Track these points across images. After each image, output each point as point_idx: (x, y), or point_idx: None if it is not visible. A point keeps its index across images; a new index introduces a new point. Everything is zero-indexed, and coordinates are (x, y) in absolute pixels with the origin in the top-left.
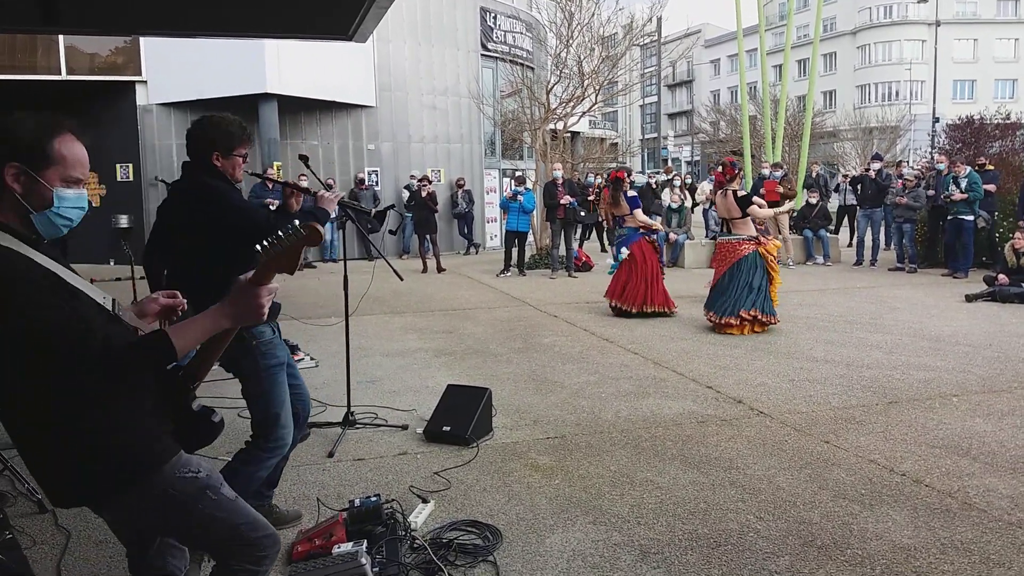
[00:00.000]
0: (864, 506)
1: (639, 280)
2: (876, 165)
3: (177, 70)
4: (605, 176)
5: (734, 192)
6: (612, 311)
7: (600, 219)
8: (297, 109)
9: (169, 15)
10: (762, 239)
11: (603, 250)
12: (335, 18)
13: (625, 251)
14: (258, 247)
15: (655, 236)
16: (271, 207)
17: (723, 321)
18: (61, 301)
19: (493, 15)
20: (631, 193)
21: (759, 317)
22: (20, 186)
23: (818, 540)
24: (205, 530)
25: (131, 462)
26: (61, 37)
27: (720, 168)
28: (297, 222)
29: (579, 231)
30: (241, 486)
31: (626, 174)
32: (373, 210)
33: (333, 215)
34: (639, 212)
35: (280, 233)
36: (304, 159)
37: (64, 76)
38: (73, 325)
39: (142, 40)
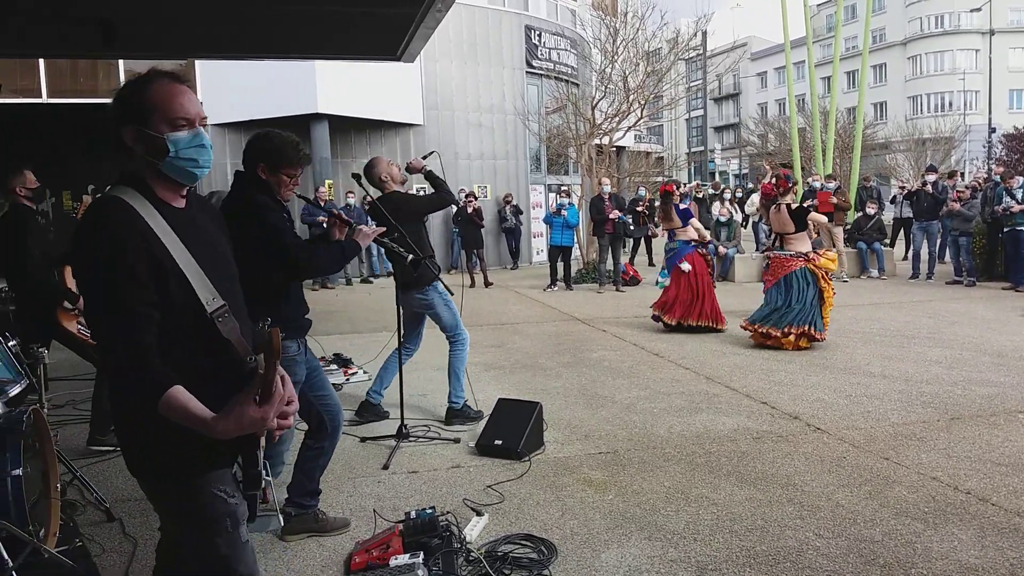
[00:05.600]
0: (928, 525)
1: (686, 292)
2: (931, 177)
3: (231, 92)
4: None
5: (788, 206)
6: (665, 327)
7: (650, 233)
8: (347, 128)
9: (224, 39)
10: (812, 255)
11: (651, 264)
12: (384, 39)
13: (686, 266)
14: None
15: (707, 249)
16: (324, 225)
17: (765, 331)
18: (133, 269)
19: (538, 33)
20: (683, 206)
21: (807, 331)
22: (142, 144)
23: (880, 559)
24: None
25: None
26: (120, 61)
27: (773, 180)
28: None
29: (629, 245)
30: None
31: (675, 187)
32: (409, 257)
33: (363, 247)
34: (695, 222)
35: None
36: (356, 177)
37: None
38: (117, 307)
39: (197, 63)
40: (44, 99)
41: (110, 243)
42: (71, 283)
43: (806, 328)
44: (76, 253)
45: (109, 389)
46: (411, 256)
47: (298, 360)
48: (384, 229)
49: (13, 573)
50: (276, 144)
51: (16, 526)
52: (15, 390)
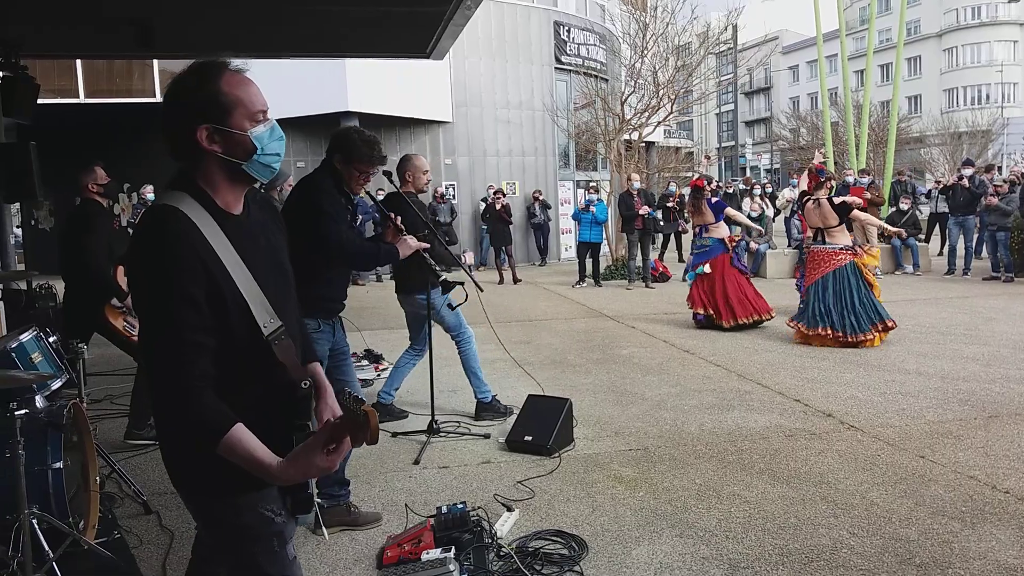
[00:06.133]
0: (965, 524)
1: (739, 291)
2: (967, 171)
3: (264, 90)
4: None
5: (829, 200)
6: (697, 324)
7: (680, 229)
8: (377, 126)
9: (256, 38)
10: (858, 250)
11: (681, 260)
12: (413, 37)
13: (706, 268)
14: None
15: (733, 246)
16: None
17: (860, 337)
18: (187, 292)
19: (567, 28)
20: (714, 199)
21: (887, 324)
22: (221, 144)
23: (916, 558)
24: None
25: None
26: (155, 61)
27: (806, 174)
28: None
29: (659, 241)
30: None
31: (705, 182)
32: (444, 276)
33: (401, 256)
34: (731, 211)
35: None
36: (388, 174)
37: (159, 99)
38: (170, 337)
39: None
40: (81, 99)
41: (165, 261)
42: (122, 281)
43: (887, 322)
44: (130, 268)
45: (155, 416)
46: (444, 276)
47: (316, 338)
48: (428, 245)
49: (54, 564)
50: (353, 140)
51: (57, 518)
52: (56, 384)
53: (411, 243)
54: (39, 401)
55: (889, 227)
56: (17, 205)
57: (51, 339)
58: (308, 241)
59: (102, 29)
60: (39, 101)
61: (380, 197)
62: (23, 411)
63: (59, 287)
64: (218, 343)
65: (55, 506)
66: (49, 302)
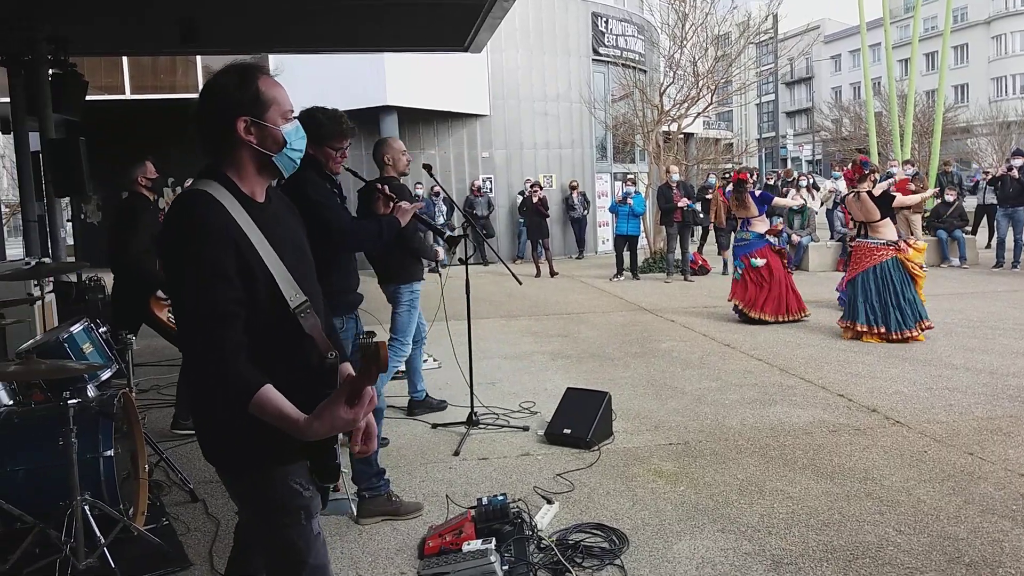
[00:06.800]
0: (1016, 523)
1: (780, 288)
2: (1018, 161)
3: (303, 85)
4: (724, 178)
5: (869, 193)
6: (740, 317)
7: (711, 221)
8: (416, 120)
9: (297, 33)
10: (902, 244)
11: (719, 253)
12: (452, 31)
13: (759, 260)
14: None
15: (777, 240)
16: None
17: (905, 334)
18: (219, 265)
19: (604, 19)
20: (758, 191)
21: (926, 324)
22: (256, 136)
23: (966, 557)
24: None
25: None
26: (199, 58)
27: (850, 166)
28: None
29: (698, 233)
30: None
31: (748, 175)
32: (447, 232)
33: (403, 224)
34: (778, 199)
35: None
36: (427, 168)
37: None
38: (204, 307)
39: (271, 57)
40: (128, 95)
41: (197, 239)
42: None
43: (925, 322)
44: (162, 248)
45: (191, 384)
46: (448, 233)
47: (341, 336)
48: (422, 204)
49: (105, 549)
50: (318, 120)
51: (108, 504)
52: (106, 374)
53: (407, 207)
54: (90, 391)
55: (930, 193)
56: (67, 199)
57: (101, 330)
58: (311, 235)
59: (148, 27)
60: (87, 98)
61: (420, 191)
62: (75, 400)
63: (108, 280)
64: (249, 316)
65: (106, 493)
66: (98, 294)
